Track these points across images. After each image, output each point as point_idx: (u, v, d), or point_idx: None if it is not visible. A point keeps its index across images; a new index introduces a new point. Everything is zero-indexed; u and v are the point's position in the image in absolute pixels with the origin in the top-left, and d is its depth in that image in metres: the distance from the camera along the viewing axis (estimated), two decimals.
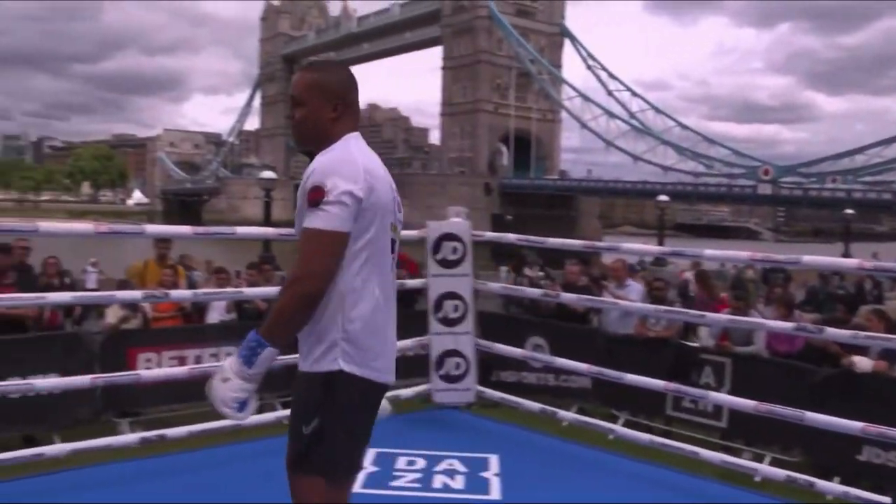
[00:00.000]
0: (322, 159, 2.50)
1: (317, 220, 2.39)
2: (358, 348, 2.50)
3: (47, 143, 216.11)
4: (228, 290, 6.72)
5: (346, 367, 2.47)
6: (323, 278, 2.40)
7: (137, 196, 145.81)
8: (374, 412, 2.66)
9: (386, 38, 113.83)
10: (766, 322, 5.76)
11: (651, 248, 6.05)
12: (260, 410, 7.47)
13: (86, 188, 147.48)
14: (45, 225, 4.51)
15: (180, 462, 4.86)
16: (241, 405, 2.42)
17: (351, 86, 2.68)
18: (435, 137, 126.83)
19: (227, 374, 2.39)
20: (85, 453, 4.73)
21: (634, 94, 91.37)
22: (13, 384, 5.09)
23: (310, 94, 2.56)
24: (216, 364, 6.37)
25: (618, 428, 5.73)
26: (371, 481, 4.51)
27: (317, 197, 2.40)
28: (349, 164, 2.48)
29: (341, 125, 2.59)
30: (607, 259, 13.83)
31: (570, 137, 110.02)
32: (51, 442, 5.97)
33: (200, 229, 5.06)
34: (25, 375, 6.76)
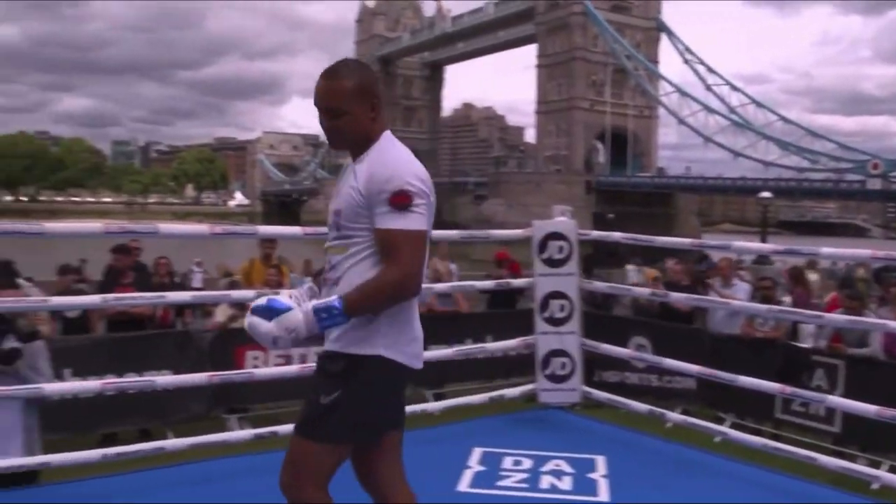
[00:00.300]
0: (388, 161, 2.59)
1: (412, 222, 2.53)
2: (398, 334, 2.64)
3: (154, 147, 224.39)
4: None
5: (386, 353, 2.62)
6: (420, 280, 2.60)
7: (238, 197, 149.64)
8: (401, 395, 2.83)
9: (480, 37, 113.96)
10: (887, 323, 5.54)
11: (763, 245, 5.88)
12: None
13: (189, 190, 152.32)
14: (165, 227, 4.67)
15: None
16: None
17: (378, 81, 2.76)
18: (530, 136, 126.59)
19: (295, 324, 2.49)
20: (201, 448, 4.87)
21: (734, 88, 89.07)
22: (136, 380, 5.29)
23: (351, 102, 2.60)
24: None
25: (726, 430, 5.60)
26: (478, 481, 4.54)
27: (405, 200, 2.51)
28: (414, 164, 2.62)
29: (378, 123, 2.67)
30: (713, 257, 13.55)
31: (667, 134, 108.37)
32: (164, 436, 6.20)
33: (310, 230, 5.16)
34: (141, 371, 7.06)
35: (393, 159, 2.60)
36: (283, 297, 2.59)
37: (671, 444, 5.52)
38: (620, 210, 65.99)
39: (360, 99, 2.61)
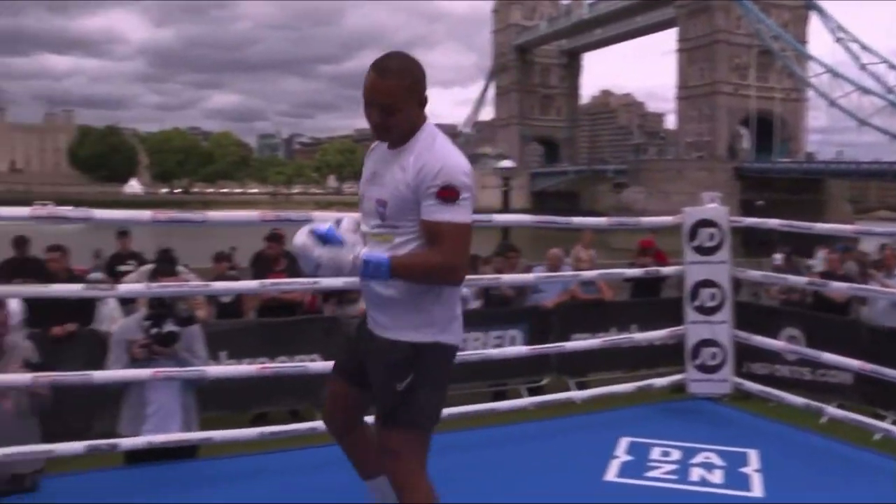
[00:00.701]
0: (437, 155, 2.67)
1: (460, 215, 2.64)
2: (450, 318, 2.83)
3: (297, 139, 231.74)
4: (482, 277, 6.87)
5: (442, 339, 2.80)
6: (464, 271, 2.78)
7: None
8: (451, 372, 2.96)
9: (618, 22, 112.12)
10: None
11: None
12: (506, 396, 7.63)
13: (331, 181, 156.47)
14: (318, 214, 4.81)
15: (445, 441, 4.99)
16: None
17: (425, 75, 2.81)
18: (671, 122, 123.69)
19: (343, 264, 2.57)
20: None
21: (892, 66, 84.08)
22: (292, 365, 5.47)
23: (404, 100, 2.68)
24: (466, 348, 6.57)
25: (888, 426, 5.31)
26: (626, 471, 4.46)
27: (453, 194, 2.61)
28: (461, 158, 2.72)
29: (423, 115, 2.78)
30: (866, 246, 12.89)
31: (817, 117, 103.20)
32: (313, 418, 6.40)
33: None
34: (292, 355, 7.32)
35: (441, 154, 2.68)
36: (337, 227, 2.68)
37: (827, 440, 5.27)
38: (767, 197, 63.53)
39: (411, 96, 2.70)
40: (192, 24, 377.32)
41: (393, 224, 2.73)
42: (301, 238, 2.62)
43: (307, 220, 4.62)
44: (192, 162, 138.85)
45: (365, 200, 2.85)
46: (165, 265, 7.29)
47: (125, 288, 5.12)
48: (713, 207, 5.61)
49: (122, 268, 10.38)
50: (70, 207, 4.10)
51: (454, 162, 2.67)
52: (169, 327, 4.55)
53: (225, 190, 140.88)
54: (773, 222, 5.51)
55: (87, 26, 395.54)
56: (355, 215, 2.86)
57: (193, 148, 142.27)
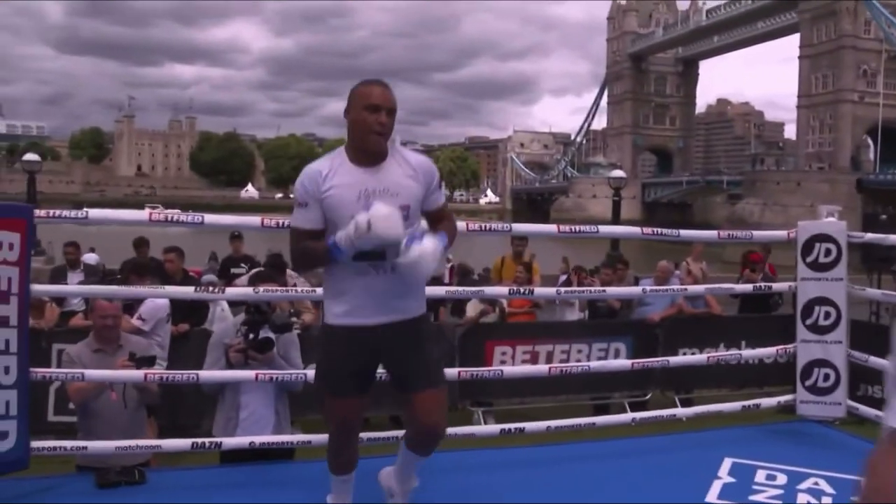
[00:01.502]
0: (420, 157, 3.45)
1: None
2: None
3: (409, 146, 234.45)
4: (589, 288, 6.78)
5: None
6: None
7: (489, 195, 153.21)
8: None
9: (737, 28, 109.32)
10: None
11: None
12: (608, 410, 7.51)
13: (443, 188, 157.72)
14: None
15: (546, 454, 4.94)
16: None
17: None
18: (790, 132, 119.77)
19: (431, 251, 2.98)
20: (448, 439, 4.97)
21: None
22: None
23: (396, 108, 3.26)
24: (568, 360, 6.49)
25: None
26: (728, 492, 4.31)
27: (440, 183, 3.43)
28: None
29: None
30: None
31: None
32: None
33: (565, 227, 5.12)
34: None
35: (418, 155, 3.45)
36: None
37: None
38: (893, 211, 60.72)
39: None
40: (311, 34, 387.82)
41: (412, 223, 3.19)
42: (422, 248, 2.98)
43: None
44: None
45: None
46: (269, 270, 7.50)
47: (232, 291, 5.25)
48: (830, 221, 5.39)
49: (235, 270, 10.70)
50: (178, 211, 4.25)
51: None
52: (265, 333, 4.58)
53: None
54: (894, 238, 5.25)
55: (213, 37, 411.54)
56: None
57: (308, 154, 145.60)
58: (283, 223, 4.43)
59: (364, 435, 4.83)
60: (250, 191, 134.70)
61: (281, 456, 4.65)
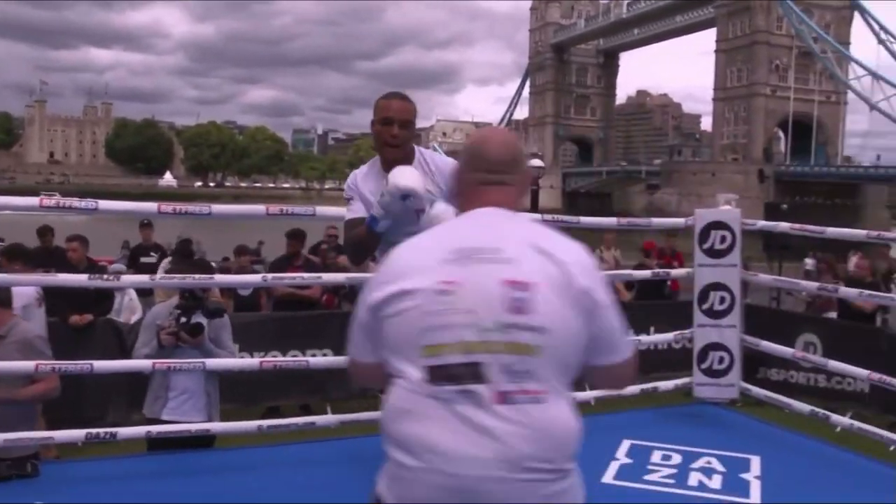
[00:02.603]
0: (448, 162, 3.46)
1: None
2: None
3: (332, 135, 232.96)
4: None
5: None
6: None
7: None
8: None
9: (656, 22, 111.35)
10: None
11: None
12: None
13: None
14: (321, 209, 4.82)
15: None
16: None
17: None
18: (707, 124, 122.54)
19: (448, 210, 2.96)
20: (354, 425, 4.98)
21: None
22: (319, 359, 5.50)
23: (414, 119, 3.51)
24: None
25: None
26: (624, 473, 4.43)
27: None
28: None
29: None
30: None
31: (856, 121, 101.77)
32: (323, 412, 6.43)
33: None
34: (304, 350, 7.36)
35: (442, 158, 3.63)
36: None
37: (836, 450, 5.19)
38: (801, 201, 62.78)
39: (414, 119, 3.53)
40: (233, 20, 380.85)
41: None
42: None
43: (312, 215, 4.68)
44: (226, 156, 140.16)
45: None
46: (182, 257, 7.40)
47: (129, 279, 5.17)
48: (726, 210, 5.56)
49: (145, 259, 10.51)
50: (77, 199, 4.16)
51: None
52: (197, 318, 4.69)
53: (258, 184, 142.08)
54: (784, 225, 5.44)
55: (131, 20, 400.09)
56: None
57: (229, 142, 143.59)
58: (182, 209, 4.37)
59: (274, 422, 4.84)
60: (168, 179, 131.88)
61: (201, 443, 4.66)
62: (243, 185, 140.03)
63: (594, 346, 1.95)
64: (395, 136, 3.40)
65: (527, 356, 1.81)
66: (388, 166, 3.36)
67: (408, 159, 3.45)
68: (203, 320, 4.71)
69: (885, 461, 5.03)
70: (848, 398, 6.36)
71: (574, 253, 1.94)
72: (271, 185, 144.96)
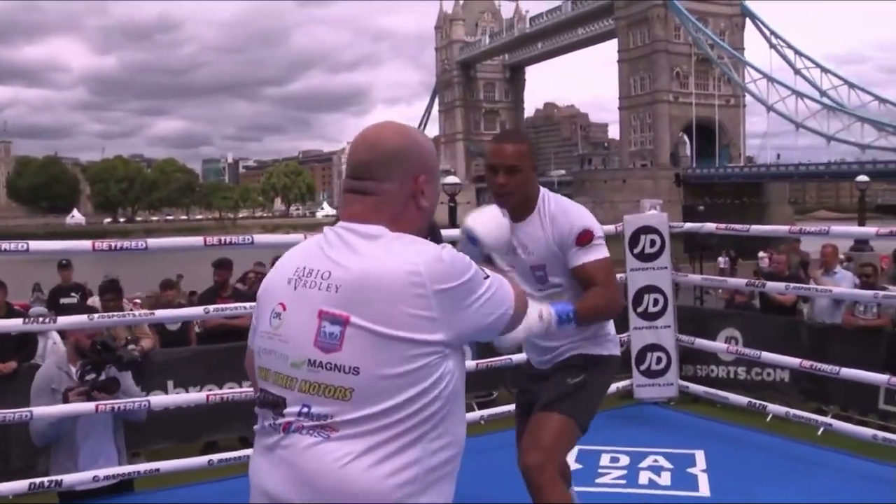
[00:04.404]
0: (568, 208, 3.04)
1: (598, 251, 2.96)
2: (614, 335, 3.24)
3: (242, 163, 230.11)
4: None
5: (616, 351, 3.22)
6: (621, 296, 3.38)
7: (326, 208, 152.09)
8: None
9: (559, 35, 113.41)
10: None
11: (866, 229, 5.64)
12: None
13: (278, 203, 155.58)
14: (259, 237, 4.79)
15: None
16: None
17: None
18: (614, 132, 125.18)
19: (542, 311, 2.68)
20: None
21: (825, 70, 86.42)
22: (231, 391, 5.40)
23: (525, 161, 2.96)
24: None
25: (830, 421, 5.43)
26: (576, 478, 4.48)
27: (589, 237, 2.94)
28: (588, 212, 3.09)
29: (537, 184, 3.08)
30: (809, 246, 13.16)
31: (755, 122, 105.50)
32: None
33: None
34: (240, 382, 7.23)
35: (574, 207, 3.09)
36: None
37: (772, 437, 5.39)
38: (710, 202, 64.64)
39: (531, 161, 3.03)
40: (136, 51, 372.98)
41: (554, 283, 3.06)
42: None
43: (250, 244, 4.64)
44: (135, 190, 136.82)
45: (517, 267, 3.03)
46: (113, 293, 7.21)
47: (64, 321, 5.00)
48: (653, 214, 5.72)
49: (65, 300, 10.21)
50: (6, 241, 4.04)
51: (585, 213, 3.05)
52: (111, 373, 4.30)
53: (170, 217, 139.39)
54: (710, 226, 5.63)
55: (28, 55, 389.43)
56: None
57: (137, 176, 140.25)
58: (117, 245, 4.29)
59: (215, 457, 4.76)
60: (76, 216, 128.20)
61: (121, 489, 4.46)
62: (154, 218, 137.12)
63: (479, 335, 1.78)
64: (500, 185, 2.95)
65: (329, 399, 1.57)
66: (510, 213, 2.90)
67: (525, 207, 3.01)
68: (117, 374, 4.31)
69: (816, 444, 5.24)
70: (768, 388, 6.57)
71: (412, 273, 1.56)
72: (184, 217, 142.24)
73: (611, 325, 3.16)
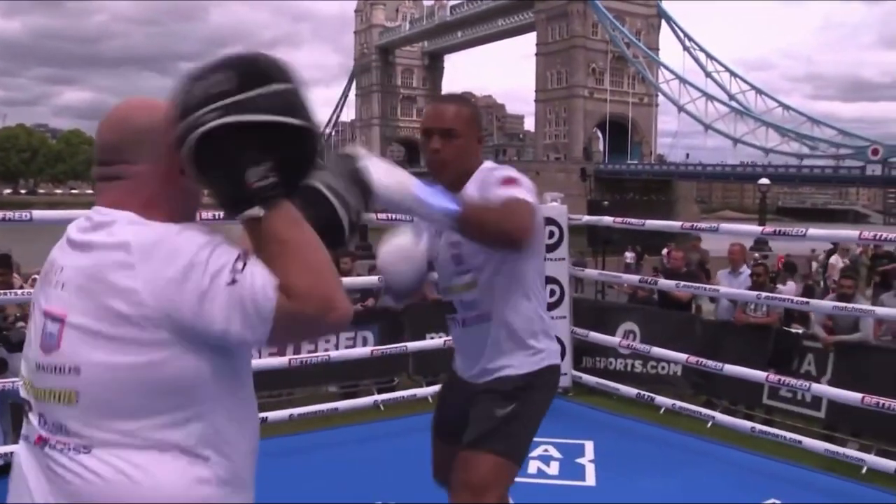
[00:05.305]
0: (497, 167, 2.58)
1: (519, 192, 2.40)
2: (553, 340, 2.70)
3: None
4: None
5: (554, 359, 2.66)
6: (530, 235, 2.41)
7: None
8: None
9: (479, 25, 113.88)
10: (875, 309, 5.54)
11: (752, 227, 5.83)
12: (356, 395, 7.60)
13: None
14: None
15: (286, 445, 4.95)
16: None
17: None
18: (530, 124, 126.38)
19: (396, 175, 2.09)
20: None
21: (734, 74, 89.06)
22: None
23: (466, 127, 2.55)
24: (316, 350, 6.51)
25: (716, 415, 5.60)
26: None
27: (512, 182, 2.44)
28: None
29: (480, 158, 2.64)
30: (710, 244, 13.54)
31: (667, 121, 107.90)
32: None
33: None
34: None
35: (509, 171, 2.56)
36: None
37: (661, 430, 5.53)
38: (620, 198, 65.97)
39: (475, 126, 2.62)
40: (43, 16, 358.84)
41: (470, 266, 2.56)
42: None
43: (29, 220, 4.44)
44: (38, 161, 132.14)
45: (439, 254, 2.62)
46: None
47: None
48: (553, 206, 5.78)
49: None
50: None
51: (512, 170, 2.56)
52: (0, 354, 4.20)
53: (75, 191, 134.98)
54: (608, 219, 5.73)
55: None
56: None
57: (41, 146, 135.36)
58: (8, 216, 4.12)
59: None
60: None
61: (7, 471, 4.29)
62: (59, 191, 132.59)
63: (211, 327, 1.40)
64: (434, 150, 2.53)
65: (57, 405, 1.41)
66: (447, 186, 2.49)
67: (461, 183, 2.55)
68: (5, 354, 4.24)
69: (702, 436, 5.40)
70: (662, 381, 6.73)
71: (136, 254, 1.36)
72: (90, 191, 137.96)
73: (543, 324, 2.66)
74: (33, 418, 1.45)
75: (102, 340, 1.36)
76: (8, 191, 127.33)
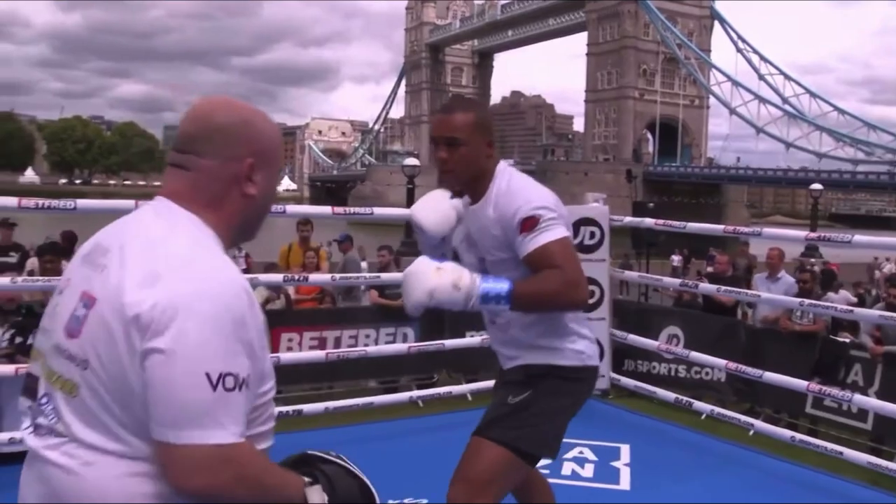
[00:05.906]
0: (515, 189, 2.52)
1: (545, 235, 2.39)
2: (587, 342, 2.65)
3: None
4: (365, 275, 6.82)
5: (581, 360, 2.60)
6: (585, 289, 2.47)
7: (286, 183, 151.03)
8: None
9: (530, 24, 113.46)
10: None
11: (795, 232, 5.67)
12: (396, 390, 7.63)
13: None
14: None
15: (327, 437, 4.98)
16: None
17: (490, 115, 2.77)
18: (579, 125, 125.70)
19: (458, 280, 2.27)
20: None
21: (788, 77, 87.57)
22: None
23: (470, 134, 2.52)
24: (356, 345, 6.53)
25: (759, 423, 5.51)
26: None
27: (533, 223, 2.40)
28: (546, 191, 2.58)
29: (494, 160, 2.61)
30: (759, 249, 13.33)
31: (718, 124, 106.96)
32: None
33: (339, 209, 5.19)
34: None
35: (524, 186, 2.56)
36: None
37: (700, 436, 5.46)
38: (668, 200, 65.27)
39: (481, 133, 2.57)
40: (101, 10, 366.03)
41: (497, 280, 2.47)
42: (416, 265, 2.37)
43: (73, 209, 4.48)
44: (93, 152, 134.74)
45: (465, 264, 2.52)
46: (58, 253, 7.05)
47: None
48: (595, 206, 5.74)
49: (3, 259, 9.99)
50: None
51: (538, 193, 2.54)
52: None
53: (128, 182, 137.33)
54: (649, 221, 5.66)
55: None
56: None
57: (96, 137, 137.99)
58: (44, 204, 4.20)
59: None
60: (30, 175, 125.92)
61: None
62: (112, 182, 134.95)
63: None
64: (441, 160, 2.53)
65: (61, 393, 1.39)
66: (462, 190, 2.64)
67: (477, 188, 2.58)
68: None
69: (744, 444, 5.32)
70: (706, 387, 6.65)
71: (170, 270, 1.35)
72: (142, 182, 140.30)
73: (577, 326, 2.60)
74: (41, 398, 1.43)
75: (120, 338, 1.32)
76: (63, 180, 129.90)
